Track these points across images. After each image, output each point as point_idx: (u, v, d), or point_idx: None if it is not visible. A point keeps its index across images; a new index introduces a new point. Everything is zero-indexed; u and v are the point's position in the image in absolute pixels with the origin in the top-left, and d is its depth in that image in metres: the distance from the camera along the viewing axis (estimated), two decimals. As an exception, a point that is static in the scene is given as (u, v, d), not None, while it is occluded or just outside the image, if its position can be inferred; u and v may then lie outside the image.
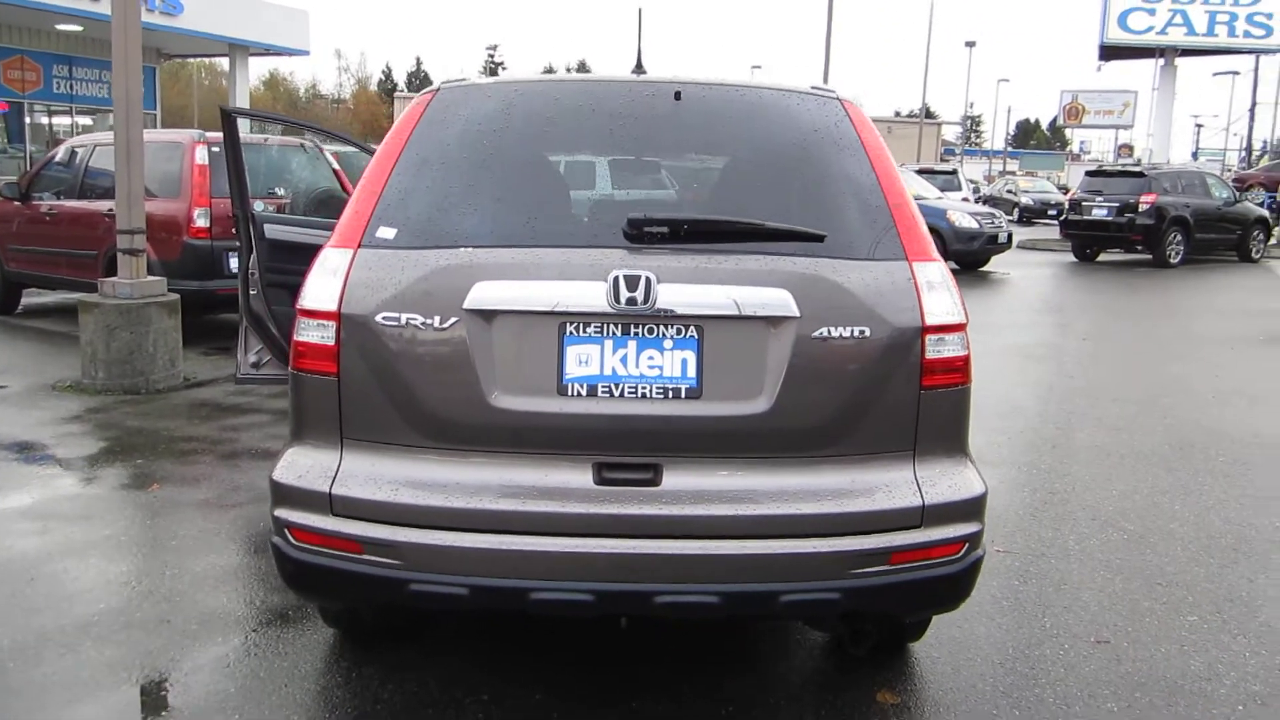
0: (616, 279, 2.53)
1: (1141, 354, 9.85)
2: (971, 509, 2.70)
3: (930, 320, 2.65)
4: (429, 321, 2.57)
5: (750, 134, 2.90)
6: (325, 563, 2.60)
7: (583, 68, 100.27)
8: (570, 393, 2.57)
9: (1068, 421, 6.79)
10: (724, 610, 2.56)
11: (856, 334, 2.60)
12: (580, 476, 2.57)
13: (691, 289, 2.55)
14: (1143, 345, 10.47)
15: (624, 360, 2.57)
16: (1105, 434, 6.45)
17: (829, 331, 2.59)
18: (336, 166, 9.57)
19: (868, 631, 3.25)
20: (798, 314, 2.56)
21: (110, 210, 8.48)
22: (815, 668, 3.37)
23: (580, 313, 2.55)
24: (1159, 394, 7.72)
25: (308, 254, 5.22)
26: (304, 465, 2.67)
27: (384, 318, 2.59)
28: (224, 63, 29.17)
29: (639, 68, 3.26)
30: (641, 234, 2.59)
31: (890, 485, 2.63)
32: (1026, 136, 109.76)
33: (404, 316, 2.58)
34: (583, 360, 2.57)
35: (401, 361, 2.60)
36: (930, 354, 2.66)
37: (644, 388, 2.57)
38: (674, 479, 2.57)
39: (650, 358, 2.57)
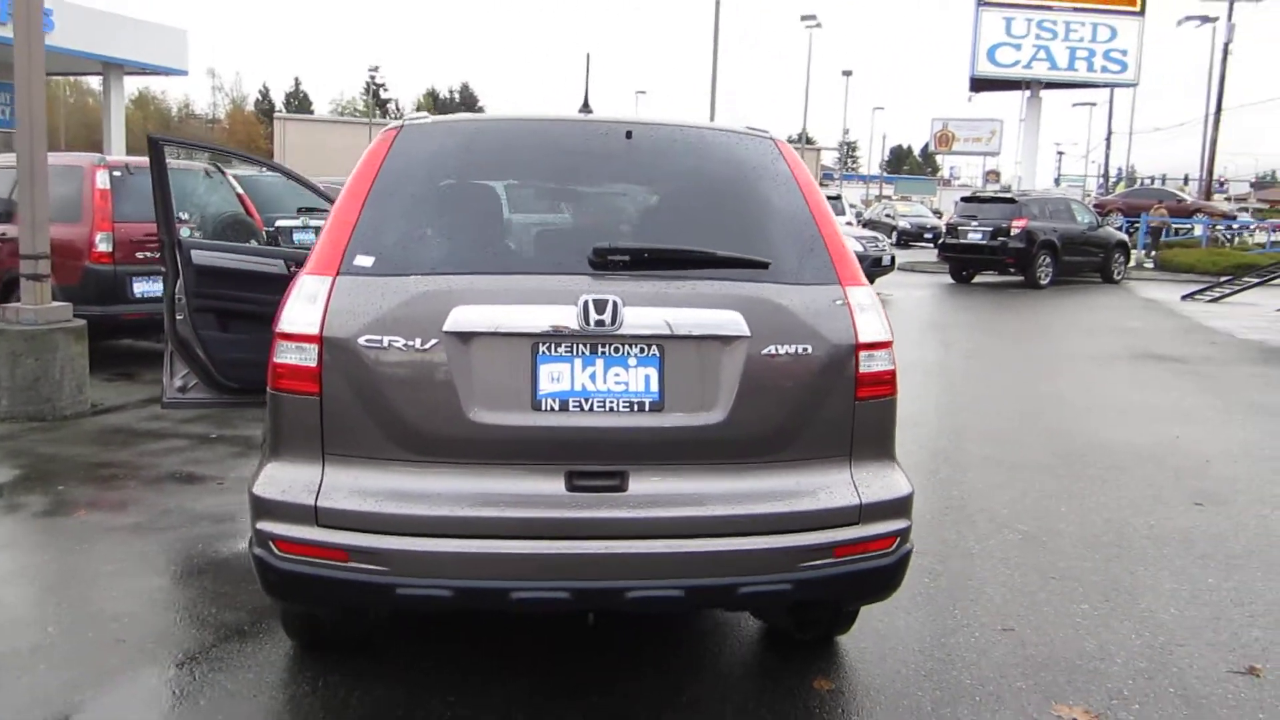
0: (586, 303, 2.76)
1: (1020, 370, 10.50)
2: (901, 507, 3.01)
3: (863, 338, 2.96)
4: (410, 343, 2.75)
5: (695, 169, 3.17)
6: (311, 571, 2.75)
7: (465, 90, 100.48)
8: (544, 407, 2.78)
9: (959, 434, 7.26)
10: (688, 603, 2.80)
11: (799, 351, 2.88)
12: (553, 484, 2.78)
13: (653, 311, 2.80)
14: (1021, 362, 11.15)
15: (592, 377, 2.80)
16: (994, 445, 6.93)
17: (776, 349, 2.86)
18: (240, 191, 9.52)
19: (815, 619, 3.52)
20: (748, 333, 2.84)
21: (4, 234, 8.29)
22: (758, 659, 3.64)
23: (552, 334, 2.77)
24: (1038, 408, 8.29)
25: (236, 279, 5.31)
26: (285, 480, 2.81)
27: (367, 340, 2.76)
28: (91, 81, 28.27)
29: (585, 107, 3.50)
30: (605, 261, 2.83)
31: (831, 486, 2.91)
32: (900, 162, 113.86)
33: (386, 339, 2.76)
34: (555, 378, 2.79)
35: (383, 381, 2.77)
36: (863, 368, 2.96)
37: (611, 402, 2.80)
38: (639, 484, 2.80)
39: (616, 374, 2.80)
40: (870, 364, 2.97)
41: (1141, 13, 20.99)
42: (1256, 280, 18.49)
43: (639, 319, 2.79)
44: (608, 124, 3.19)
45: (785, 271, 2.96)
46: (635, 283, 2.84)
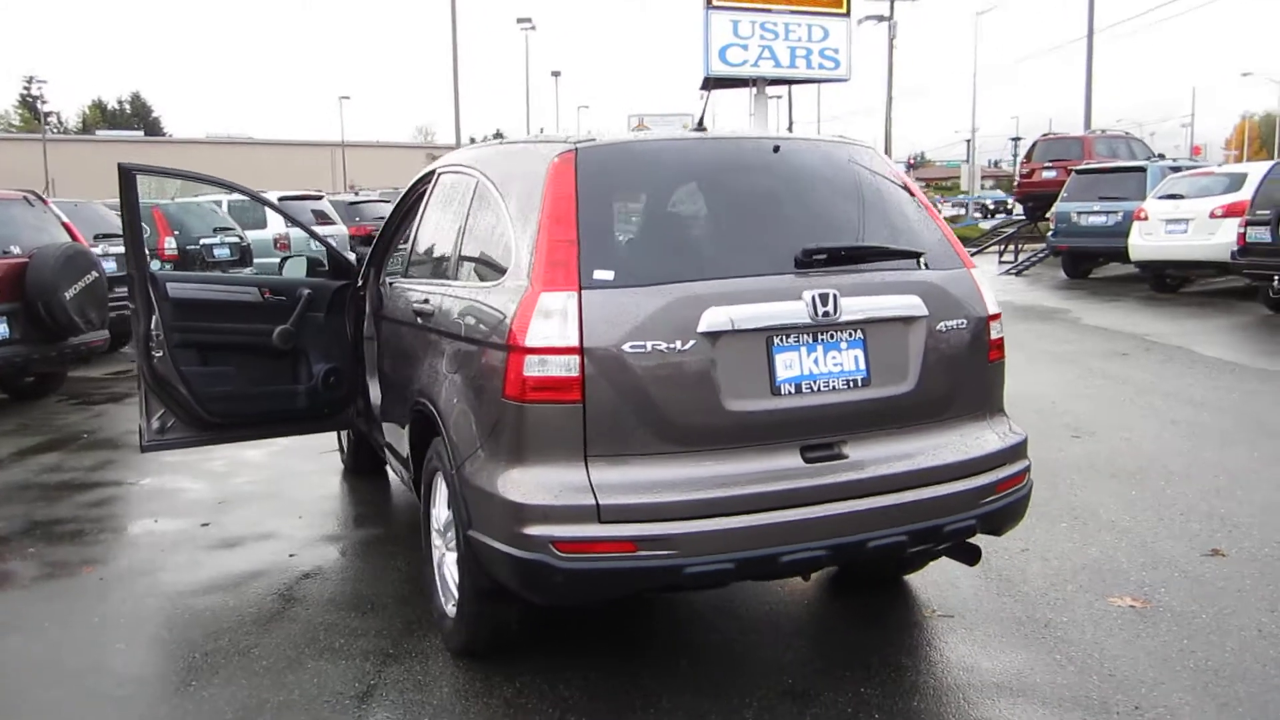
0: (814, 297, 3.18)
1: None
2: (1025, 448, 3.64)
3: (990, 311, 3.56)
4: (671, 345, 3.06)
5: (832, 176, 3.65)
6: (600, 566, 2.99)
7: (137, 100, 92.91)
8: (782, 392, 3.17)
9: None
10: (911, 545, 3.28)
11: (958, 325, 3.45)
12: (792, 458, 3.19)
13: (859, 300, 3.28)
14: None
15: (816, 361, 3.22)
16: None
17: (944, 325, 3.41)
18: (65, 219, 8.78)
19: (910, 561, 4.08)
20: (926, 313, 3.37)
21: None
22: (862, 607, 4.17)
23: (785, 326, 3.17)
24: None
25: (213, 310, 5.19)
26: (552, 484, 3.03)
27: (631, 346, 3.03)
28: None
29: (700, 126, 3.87)
30: (810, 260, 3.26)
31: (986, 435, 3.50)
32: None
33: (649, 344, 3.04)
34: (788, 365, 3.19)
35: (647, 382, 3.06)
36: (992, 335, 3.56)
37: (832, 382, 3.24)
38: (856, 450, 3.26)
39: (833, 358, 3.24)
40: (996, 332, 3.57)
41: (848, 14, 23.21)
42: (974, 250, 21.05)
43: (850, 307, 3.25)
44: (755, 139, 3.59)
45: (932, 259, 3.50)
46: (837, 277, 3.29)
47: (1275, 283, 11.82)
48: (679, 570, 3.02)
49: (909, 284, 3.40)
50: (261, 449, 6.78)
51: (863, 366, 3.29)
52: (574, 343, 3.03)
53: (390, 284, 5.01)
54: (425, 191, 4.61)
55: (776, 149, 3.57)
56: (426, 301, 3.95)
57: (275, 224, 15.75)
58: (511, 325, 3.12)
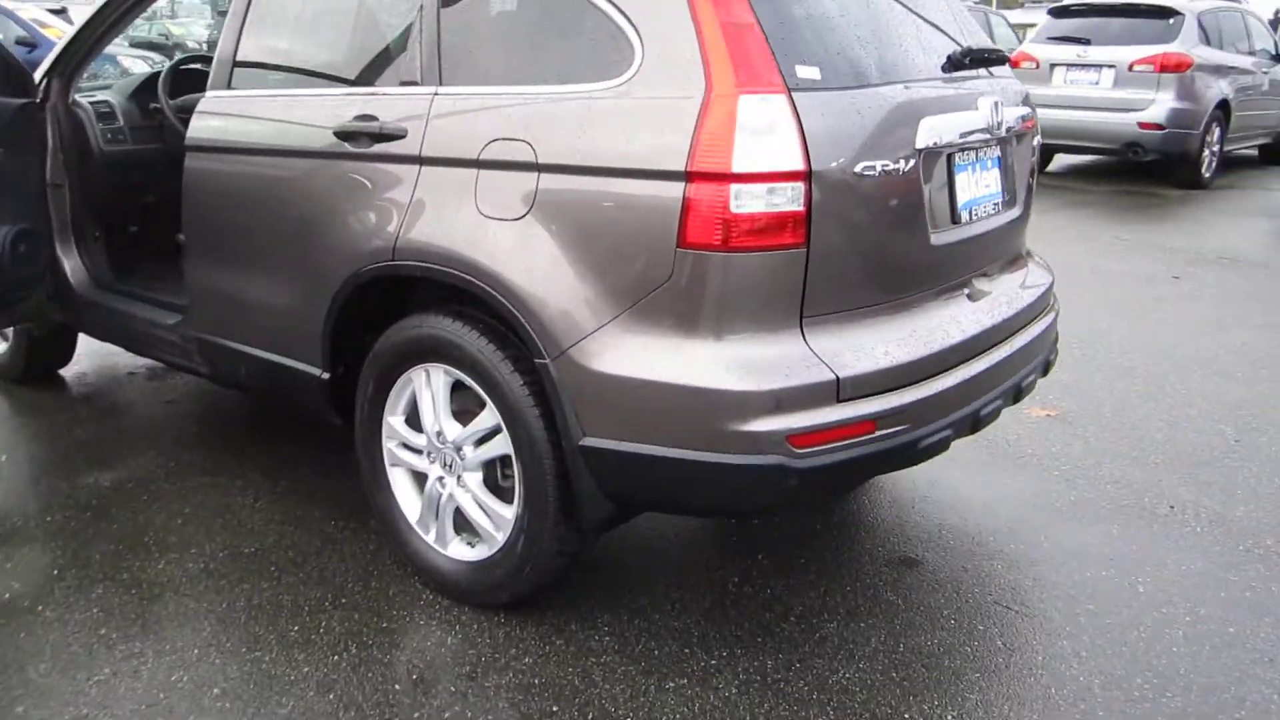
0: (994, 104, 2.64)
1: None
2: None
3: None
4: (896, 166, 2.36)
5: None
6: (838, 459, 2.28)
7: None
8: (962, 220, 2.64)
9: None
10: (1037, 380, 2.97)
11: (1037, 142, 3.14)
12: (963, 299, 2.70)
13: (1009, 110, 2.80)
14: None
15: (975, 183, 2.71)
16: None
17: (1036, 140, 3.08)
18: None
19: None
20: (1037, 126, 3.00)
21: None
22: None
23: (967, 142, 2.62)
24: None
25: None
26: (771, 361, 2.24)
27: (863, 168, 2.29)
28: None
29: None
30: (960, 64, 2.71)
31: (1035, 262, 3.26)
32: None
33: (878, 164, 2.32)
34: (964, 187, 2.65)
35: (873, 215, 2.35)
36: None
37: (988, 205, 2.77)
38: (993, 284, 2.85)
39: (983, 179, 2.76)
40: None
41: None
42: None
43: (1006, 117, 2.77)
44: None
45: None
46: (985, 82, 2.78)
47: None
48: (914, 446, 2.41)
49: (1019, 93, 2.99)
50: None
51: (1000, 188, 2.86)
52: (799, 164, 2.21)
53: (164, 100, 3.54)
54: None
55: None
56: (373, 118, 2.70)
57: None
58: (695, 144, 2.18)
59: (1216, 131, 10.20)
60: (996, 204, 2.82)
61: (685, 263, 2.21)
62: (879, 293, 2.44)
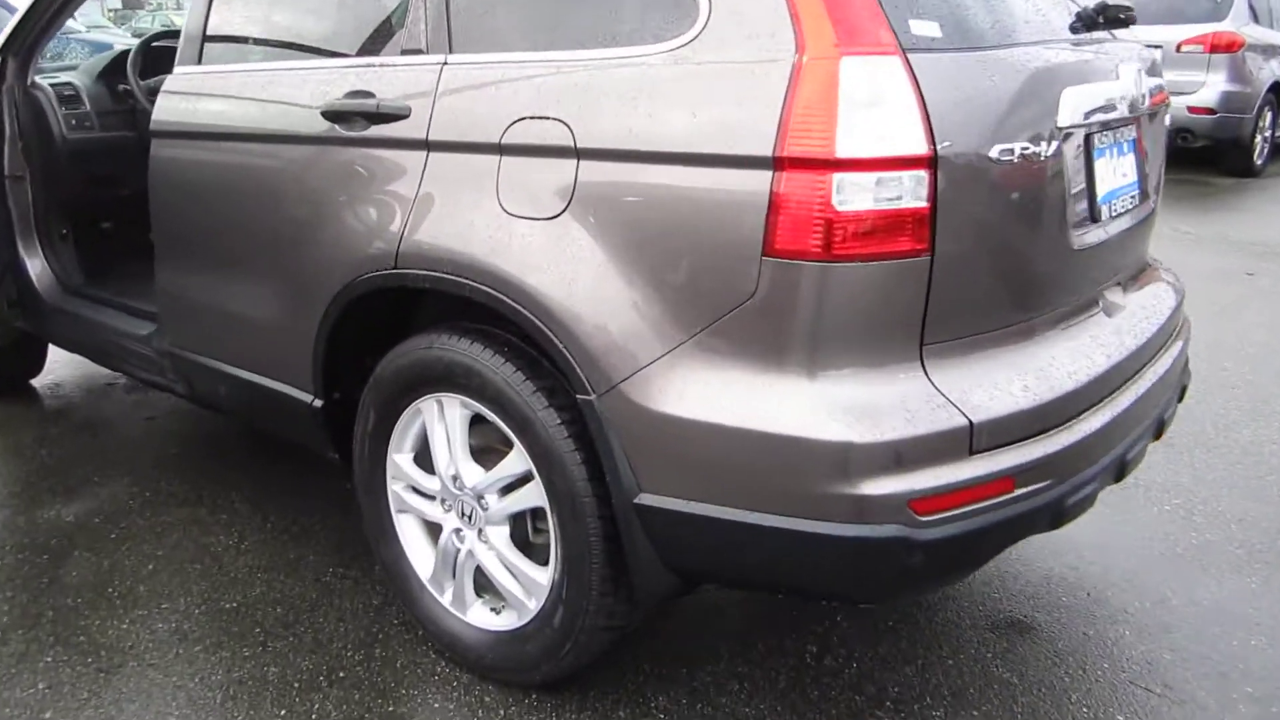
0: (1137, 73, 2.14)
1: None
2: None
3: None
4: (1036, 150, 1.86)
5: None
6: (970, 526, 1.78)
7: None
8: (1101, 217, 2.13)
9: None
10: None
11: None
12: (1099, 315, 2.19)
13: (1147, 80, 2.29)
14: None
15: (1115, 170, 2.21)
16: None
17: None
18: None
19: None
20: (1166, 98, 2.49)
21: None
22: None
23: (1109, 119, 2.11)
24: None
25: None
26: (887, 402, 1.75)
27: (1000, 152, 1.79)
28: None
29: None
30: (1093, 22, 2.20)
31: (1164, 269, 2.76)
32: None
33: (1016, 147, 1.82)
34: (1103, 176, 2.14)
35: (1008, 213, 1.85)
36: None
37: (1125, 199, 2.26)
38: (1125, 296, 2.34)
39: (1118, 166, 2.25)
40: None
41: None
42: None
43: (1144, 89, 2.26)
44: None
45: None
46: (1119, 46, 2.27)
47: None
48: (1059, 506, 1.91)
49: (1146, 58, 2.46)
50: None
51: (1136, 177, 2.35)
52: (921, 148, 1.70)
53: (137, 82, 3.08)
54: None
55: None
56: (368, 95, 2.21)
57: None
58: (785, 121, 1.68)
59: (1269, 116, 9.66)
60: (1134, 196, 2.31)
61: (773, 275, 1.72)
62: (1011, 311, 1.94)
